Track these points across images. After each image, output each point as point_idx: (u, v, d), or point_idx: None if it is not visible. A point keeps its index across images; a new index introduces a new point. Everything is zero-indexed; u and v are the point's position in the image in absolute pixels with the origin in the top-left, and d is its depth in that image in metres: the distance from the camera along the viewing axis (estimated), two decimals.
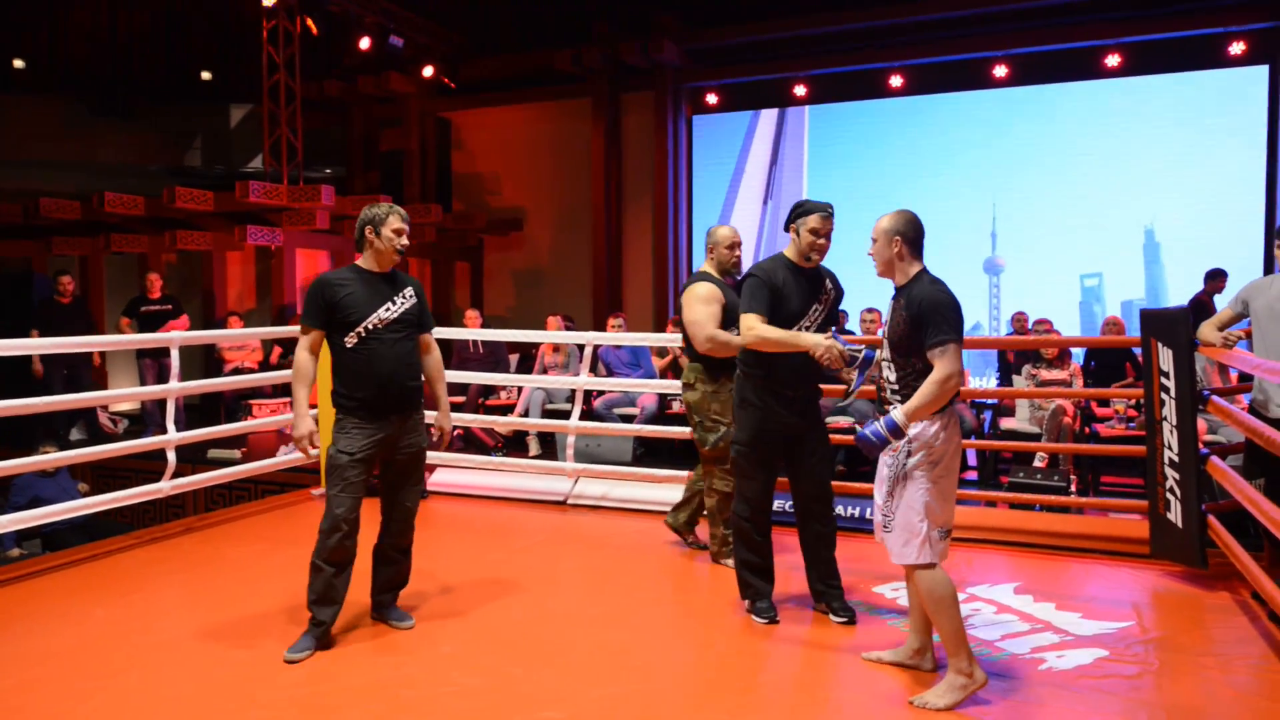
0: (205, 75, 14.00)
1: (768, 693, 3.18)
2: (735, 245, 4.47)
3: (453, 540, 5.18)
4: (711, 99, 11.09)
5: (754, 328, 3.60)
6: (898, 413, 3.01)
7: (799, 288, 3.69)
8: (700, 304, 4.26)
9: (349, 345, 3.49)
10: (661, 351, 7.71)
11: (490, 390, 8.08)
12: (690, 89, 11.31)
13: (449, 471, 6.39)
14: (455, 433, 7.80)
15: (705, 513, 4.73)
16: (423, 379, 3.76)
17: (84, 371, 8.78)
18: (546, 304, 11.52)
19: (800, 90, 10.57)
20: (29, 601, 4.13)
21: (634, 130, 11.46)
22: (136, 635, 3.68)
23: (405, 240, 3.59)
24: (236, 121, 14.13)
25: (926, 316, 2.98)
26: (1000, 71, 9.57)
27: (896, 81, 10.11)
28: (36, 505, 5.49)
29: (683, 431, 6.00)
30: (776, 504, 3.99)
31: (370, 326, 3.49)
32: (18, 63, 13.09)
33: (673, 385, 6.37)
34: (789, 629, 3.75)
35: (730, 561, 4.22)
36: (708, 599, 4.15)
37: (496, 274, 12.67)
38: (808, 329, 3.67)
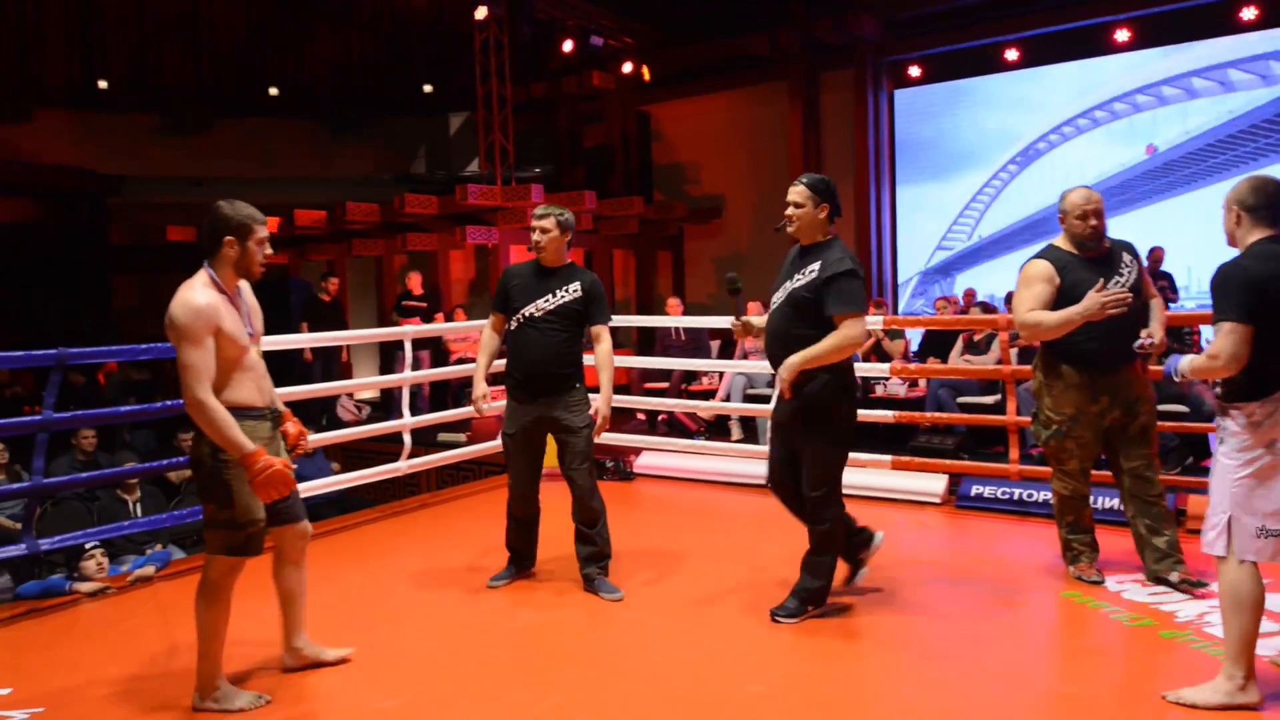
0: (426, 88, 15.15)
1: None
2: (1088, 214, 3.68)
3: (658, 520, 5.38)
4: (914, 71, 10.69)
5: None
6: (1183, 362, 2.83)
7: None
8: (1023, 285, 3.79)
9: (511, 329, 3.92)
10: None
11: (692, 376, 8.26)
12: (890, 63, 10.95)
13: (654, 454, 6.61)
14: (661, 418, 8.11)
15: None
16: (578, 366, 3.98)
17: (335, 363, 9.82)
18: (747, 290, 11.52)
19: (1012, 54, 9.96)
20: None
21: (832, 110, 11.25)
22: (384, 596, 4.13)
23: (536, 236, 3.90)
24: (455, 129, 15.19)
25: (1211, 289, 2.78)
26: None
27: (1123, 36, 9.30)
28: (298, 482, 6.23)
29: (887, 415, 5.90)
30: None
31: (527, 314, 3.86)
32: (272, 90, 14.72)
33: (871, 369, 6.26)
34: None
35: (1073, 569, 4.00)
36: (912, 575, 4.09)
37: (697, 262, 12.86)
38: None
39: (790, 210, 3.55)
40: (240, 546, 2.85)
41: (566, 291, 3.89)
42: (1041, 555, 4.31)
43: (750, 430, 7.45)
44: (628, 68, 11.61)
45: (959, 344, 6.90)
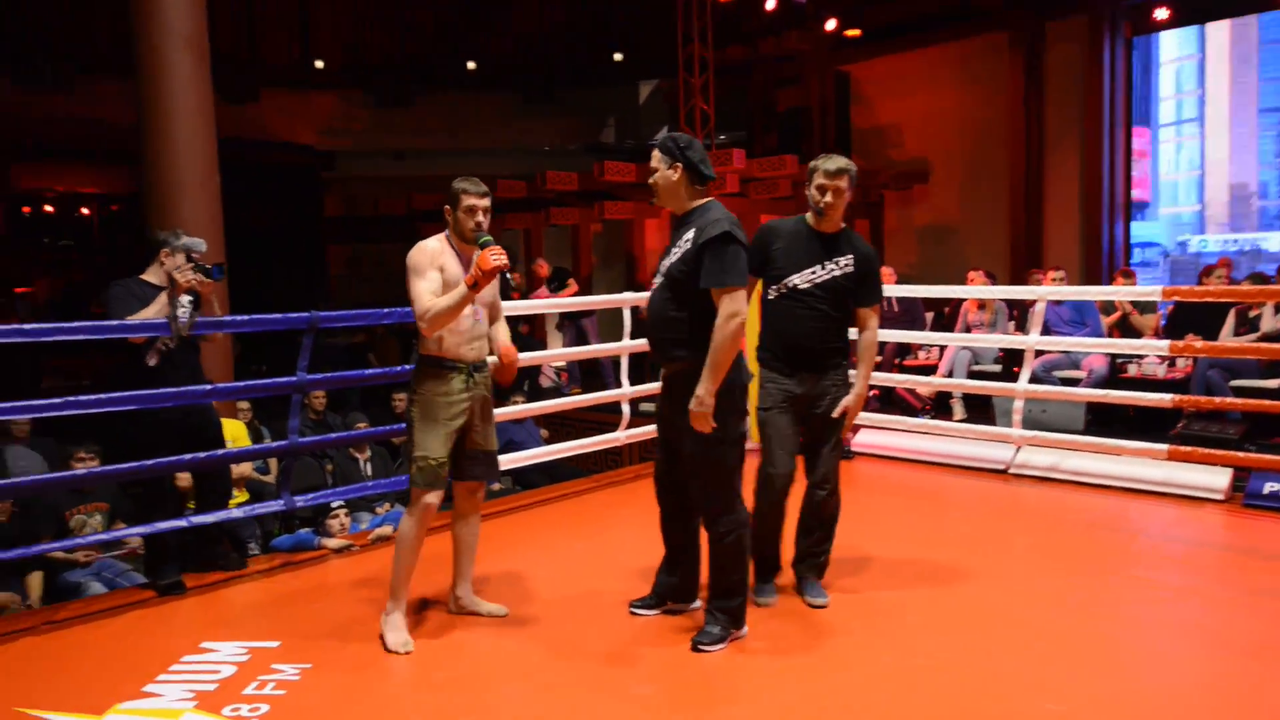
0: (617, 57, 15.11)
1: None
2: None
3: (882, 505, 5.02)
4: (1160, 13, 9.55)
5: None
6: None
7: None
8: None
9: (769, 298, 3.49)
10: (1108, 308, 6.84)
11: (906, 350, 7.76)
12: (1131, 5, 9.85)
13: (873, 433, 6.23)
14: (873, 393, 7.67)
15: None
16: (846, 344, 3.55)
17: (534, 333, 9.97)
18: (953, 260, 10.85)
19: None
20: (519, 532, 4.72)
21: (1059, 63, 10.28)
22: (606, 565, 4.02)
23: (827, 198, 3.35)
24: (644, 97, 15.09)
25: None
26: None
27: None
28: (511, 449, 6.29)
29: (1141, 398, 5.26)
30: None
31: (792, 285, 3.40)
32: (470, 64, 15.12)
33: (1125, 345, 5.64)
34: None
35: None
36: (1207, 587, 3.57)
37: (898, 230, 12.18)
38: None
39: (650, 178, 3.21)
40: (415, 477, 3.22)
41: (838, 265, 3.41)
42: None
43: (975, 409, 6.91)
44: (830, 25, 11.05)
45: (1230, 319, 6.08)
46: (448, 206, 3.25)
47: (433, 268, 3.19)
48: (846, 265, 3.42)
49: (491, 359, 3.43)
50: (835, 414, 3.45)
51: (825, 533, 3.58)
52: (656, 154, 3.15)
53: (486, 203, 3.24)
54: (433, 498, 3.25)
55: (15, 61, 12.36)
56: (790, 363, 3.44)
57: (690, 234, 3.07)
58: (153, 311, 3.73)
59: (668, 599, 3.47)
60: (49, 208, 15.85)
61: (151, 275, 3.88)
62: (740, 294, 3.00)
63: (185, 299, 3.77)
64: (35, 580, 4.50)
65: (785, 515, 3.53)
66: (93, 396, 3.62)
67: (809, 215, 3.48)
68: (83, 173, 14.82)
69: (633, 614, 3.46)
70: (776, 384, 3.44)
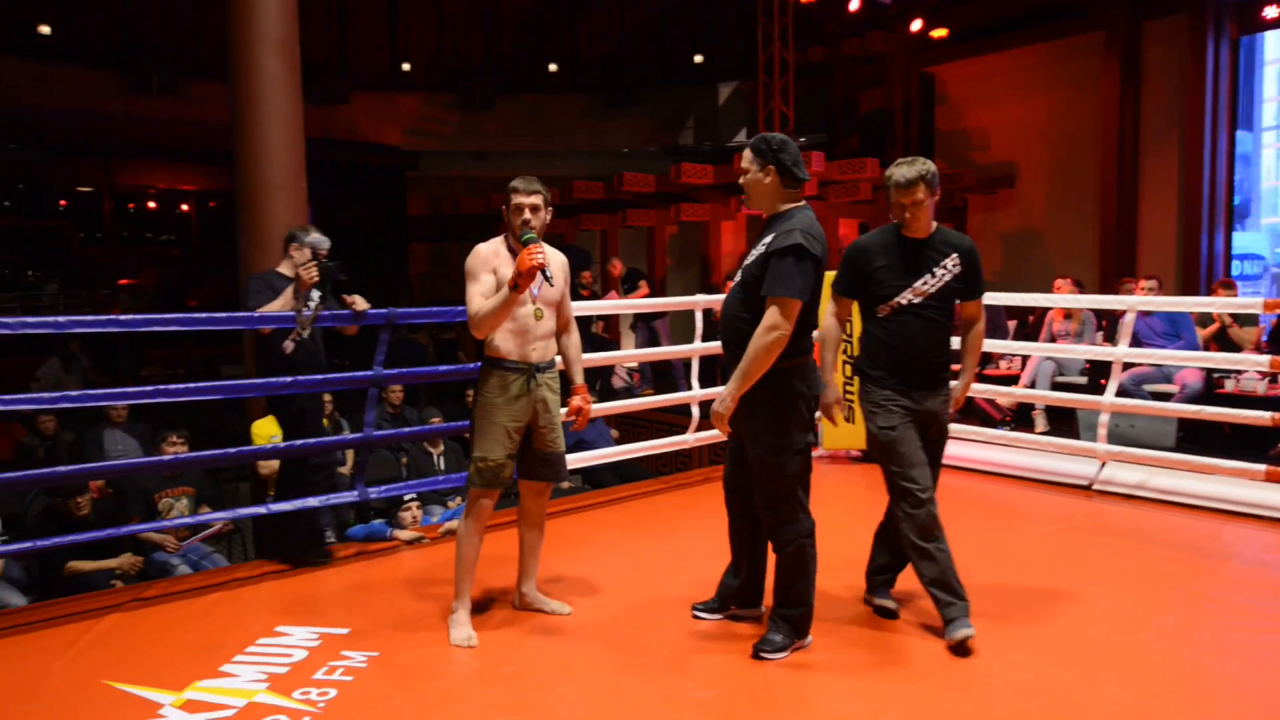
0: (697, 58, 15.09)
1: None
2: None
3: (957, 519, 4.83)
4: (1271, 11, 9.08)
5: None
6: None
7: None
8: None
9: (879, 317, 3.28)
10: (1205, 320, 6.54)
11: (988, 359, 7.55)
12: (1236, 3, 9.39)
13: (950, 444, 6.03)
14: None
15: None
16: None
17: (608, 333, 10.03)
18: (1039, 267, 10.52)
19: None
20: (587, 531, 4.76)
21: (1157, 63, 9.87)
22: (671, 567, 4.01)
23: (908, 214, 3.17)
24: (724, 99, 15.03)
25: None
26: None
27: None
28: (581, 448, 6.33)
29: (1238, 415, 4.99)
30: None
31: (903, 302, 3.21)
32: (552, 66, 15.29)
33: (1222, 360, 5.37)
34: None
35: None
36: None
37: (981, 236, 11.83)
38: None
39: (740, 179, 3.17)
40: (473, 477, 3.25)
41: (945, 268, 3.22)
42: None
43: (1058, 422, 6.68)
44: (916, 25, 10.82)
45: None
46: (504, 207, 3.27)
47: (486, 270, 3.21)
48: (954, 266, 3.24)
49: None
50: (953, 411, 3.40)
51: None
52: (748, 154, 3.12)
53: (534, 200, 3.21)
54: (488, 499, 3.28)
55: (124, 65, 13.00)
56: (908, 380, 3.25)
57: (769, 238, 3.05)
58: (279, 304, 3.99)
59: (731, 603, 3.44)
60: (151, 204, 16.62)
61: (284, 268, 4.17)
62: (791, 307, 2.94)
63: (314, 293, 4.00)
64: (126, 558, 4.72)
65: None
66: (180, 386, 3.79)
67: (897, 223, 3.27)
68: (183, 171, 15.49)
69: (696, 617, 3.44)
70: (895, 402, 3.25)
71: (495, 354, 3.26)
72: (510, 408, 3.24)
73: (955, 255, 3.25)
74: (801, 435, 3.08)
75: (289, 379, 3.97)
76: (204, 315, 3.83)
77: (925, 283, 3.21)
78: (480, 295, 3.18)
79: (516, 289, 3.07)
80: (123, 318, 3.80)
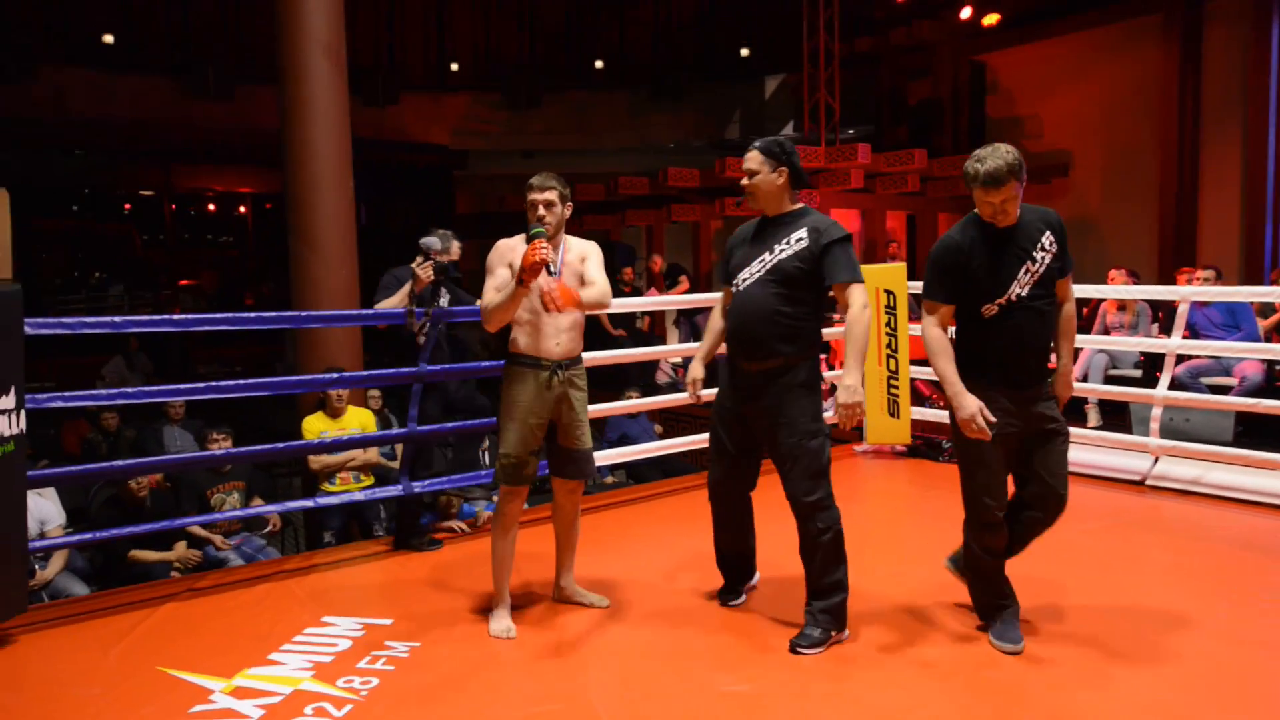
0: (743, 52, 15.00)
1: None
2: None
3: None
4: None
5: None
6: None
7: None
8: None
9: (988, 319, 3.00)
10: (1266, 310, 6.33)
11: None
12: None
13: None
14: None
15: None
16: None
17: (654, 329, 10.05)
18: (1093, 257, 10.25)
19: None
20: (629, 524, 4.78)
21: (1218, 48, 9.55)
22: (711, 561, 3.93)
23: (999, 216, 2.93)
24: (770, 93, 14.92)
25: None
26: None
27: None
28: (624, 443, 6.36)
29: None
30: None
31: (1016, 297, 2.95)
32: (598, 63, 15.34)
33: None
34: None
35: None
36: None
37: None
38: None
39: (745, 180, 3.18)
40: (498, 474, 3.28)
41: (1043, 248, 2.96)
42: None
43: (1111, 415, 6.51)
44: (966, 13, 10.63)
45: None
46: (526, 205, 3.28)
47: (502, 264, 3.24)
48: (1051, 244, 2.97)
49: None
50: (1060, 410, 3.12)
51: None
52: (758, 156, 3.14)
53: (547, 196, 3.20)
54: (515, 496, 3.29)
55: (182, 71, 13.38)
56: (1018, 383, 2.98)
57: (800, 234, 3.09)
58: (394, 301, 4.22)
59: (742, 583, 3.61)
60: (210, 207, 17.07)
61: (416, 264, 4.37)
62: (863, 289, 3.09)
63: (441, 291, 4.23)
64: (180, 548, 4.88)
65: None
66: (230, 382, 3.89)
67: (976, 214, 3.02)
68: (239, 174, 15.90)
69: (726, 605, 3.52)
70: (997, 404, 2.96)
71: (515, 350, 3.28)
72: (529, 404, 3.23)
73: (1048, 232, 3.00)
74: (826, 421, 3.21)
75: (335, 374, 4.06)
76: (253, 315, 3.93)
77: (1028, 269, 2.93)
78: (494, 289, 3.21)
79: (522, 284, 3.07)
80: (176, 317, 3.92)
